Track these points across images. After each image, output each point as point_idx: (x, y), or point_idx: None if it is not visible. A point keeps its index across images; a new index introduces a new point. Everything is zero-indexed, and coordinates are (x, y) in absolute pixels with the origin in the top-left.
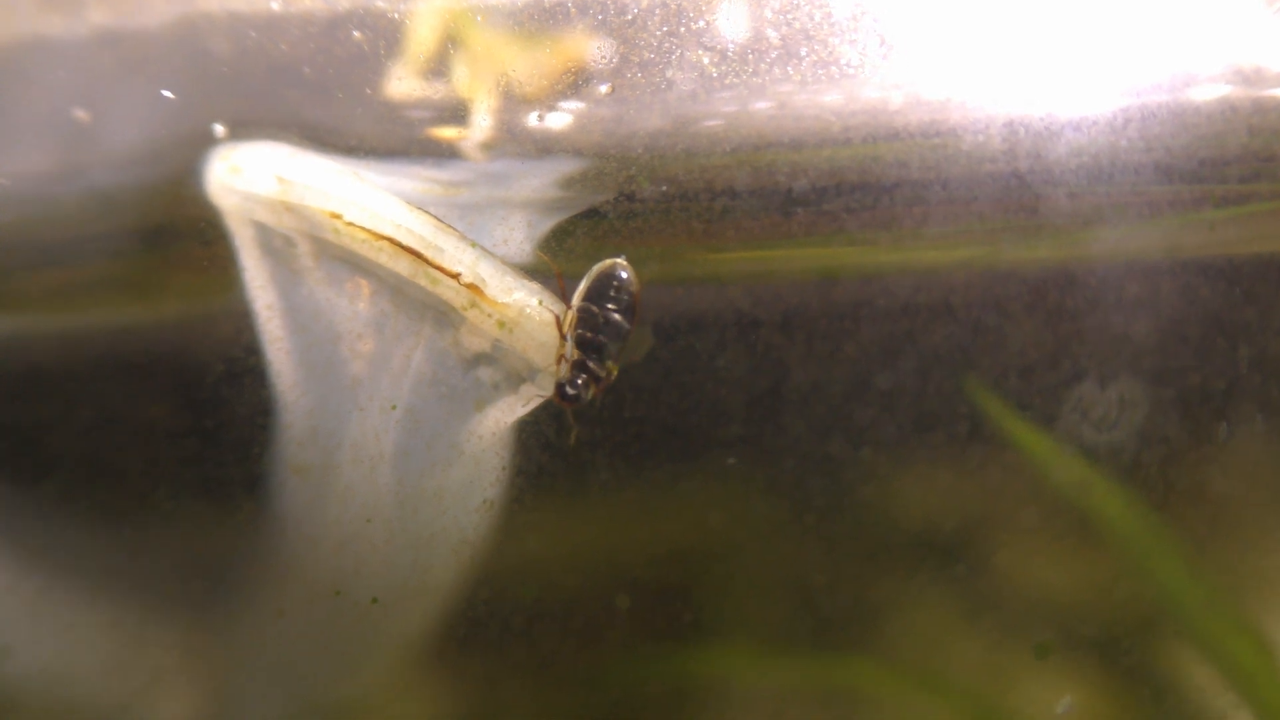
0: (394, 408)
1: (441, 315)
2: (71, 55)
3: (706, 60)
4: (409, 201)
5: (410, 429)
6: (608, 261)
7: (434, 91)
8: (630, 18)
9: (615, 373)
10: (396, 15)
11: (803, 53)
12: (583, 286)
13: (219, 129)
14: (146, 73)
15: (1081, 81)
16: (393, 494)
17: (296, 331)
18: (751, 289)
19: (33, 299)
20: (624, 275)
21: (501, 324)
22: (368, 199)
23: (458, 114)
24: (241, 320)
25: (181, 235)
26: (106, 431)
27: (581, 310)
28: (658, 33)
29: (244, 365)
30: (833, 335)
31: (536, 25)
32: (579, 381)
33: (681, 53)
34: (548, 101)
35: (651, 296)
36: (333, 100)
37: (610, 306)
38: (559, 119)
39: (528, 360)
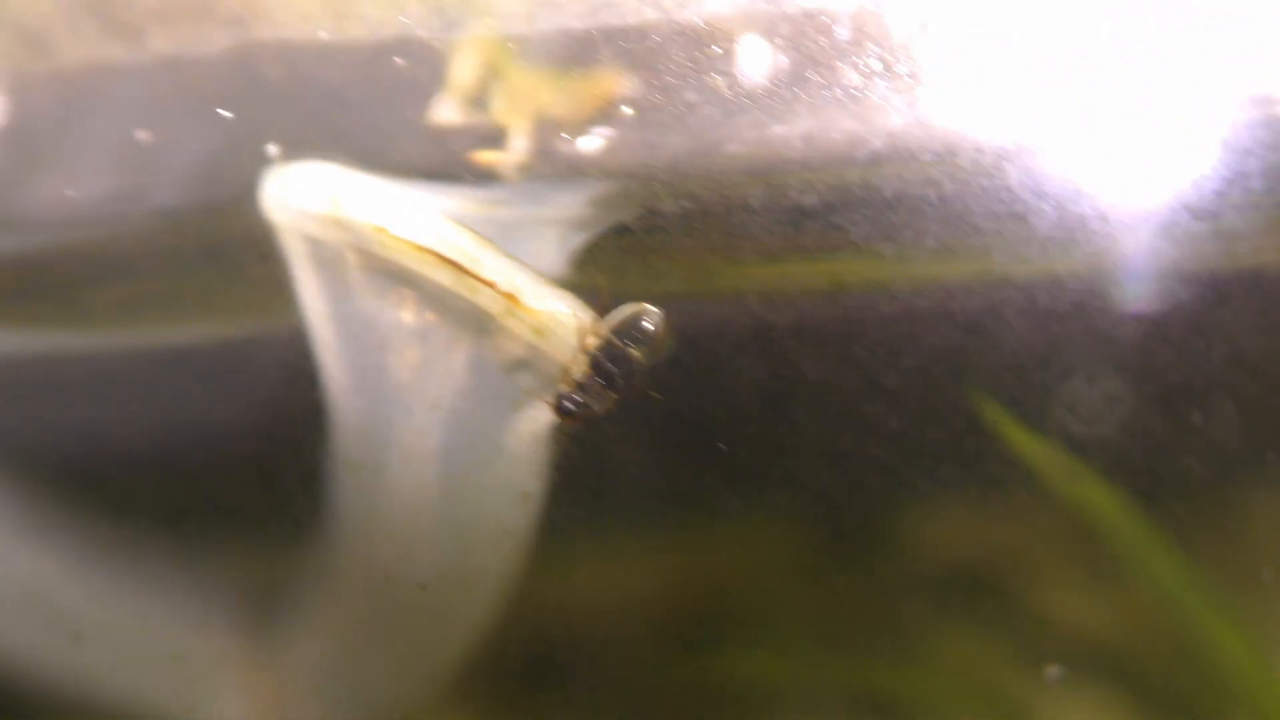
0: (438, 410)
1: (481, 324)
2: (134, 80)
3: (723, 84)
4: (450, 218)
5: (454, 429)
6: (640, 306)
7: (474, 118)
8: (652, 45)
9: (612, 405)
10: (437, 44)
11: (810, 76)
12: (611, 319)
13: (273, 150)
14: (205, 97)
15: (1068, 105)
16: (438, 489)
17: (347, 339)
18: (767, 298)
19: (101, 311)
20: (648, 325)
21: (536, 330)
22: (412, 215)
23: (495, 139)
24: (296, 329)
25: (239, 250)
26: (172, 433)
27: (605, 340)
28: (678, 58)
29: (299, 370)
30: (841, 339)
31: (566, 52)
32: (578, 399)
33: (700, 78)
34: (579, 127)
35: (675, 306)
36: (379, 124)
37: (628, 343)
38: (589, 143)
39: (560, 364)
